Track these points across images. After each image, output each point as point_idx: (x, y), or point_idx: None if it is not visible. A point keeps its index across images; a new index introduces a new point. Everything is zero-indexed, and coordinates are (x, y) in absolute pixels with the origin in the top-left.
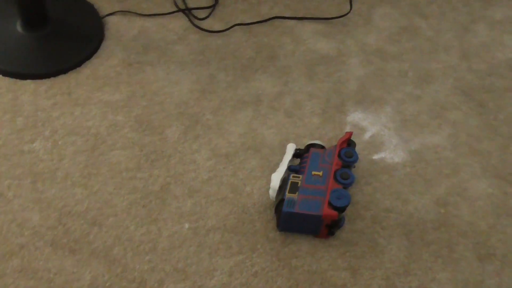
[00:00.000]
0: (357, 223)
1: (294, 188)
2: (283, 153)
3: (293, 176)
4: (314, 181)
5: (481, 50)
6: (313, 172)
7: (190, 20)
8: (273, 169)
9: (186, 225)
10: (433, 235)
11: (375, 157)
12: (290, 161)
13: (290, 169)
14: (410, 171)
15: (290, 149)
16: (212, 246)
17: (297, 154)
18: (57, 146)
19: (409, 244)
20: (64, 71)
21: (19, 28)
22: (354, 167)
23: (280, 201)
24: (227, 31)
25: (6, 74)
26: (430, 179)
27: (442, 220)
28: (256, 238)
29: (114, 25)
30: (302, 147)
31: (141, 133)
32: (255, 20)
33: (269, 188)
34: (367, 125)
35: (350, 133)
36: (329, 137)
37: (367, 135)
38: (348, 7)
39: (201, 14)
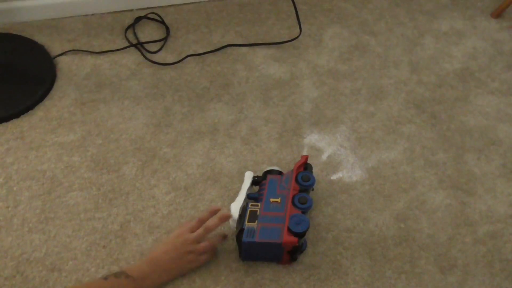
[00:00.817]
0: (319, 245)
1: (253, 216)
2: (242, 181)
3: (252, 205)
4: (273, 208)
5: (429, 63)
6: (271, 199)
7: (142, 54)
8: (233, 198)
9: None
10: (395, 251)
11: (334, 177)
12: (249, 189)
13: (249, 197)
14: (368, 188)
15: (248, 177)
16: (175, 282)
17: (255, 181)
18: (12, 192)
19: (372, 263)
20: (17, 115)
21: None
22: (313, 189)
23: (240, 231)
24: (180, 63)
25: None
26: (388, 195)
27: (403, 235)
28: (219, 270)
29: (65, 64)
30: (261, 174)
31: (98, 172)
32: (207, 50)
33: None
34: (323, 145)
35: (306, 157)
36: (287, 161)
37: (324, 156)
38: (298, 30)
39: (153, 47)
